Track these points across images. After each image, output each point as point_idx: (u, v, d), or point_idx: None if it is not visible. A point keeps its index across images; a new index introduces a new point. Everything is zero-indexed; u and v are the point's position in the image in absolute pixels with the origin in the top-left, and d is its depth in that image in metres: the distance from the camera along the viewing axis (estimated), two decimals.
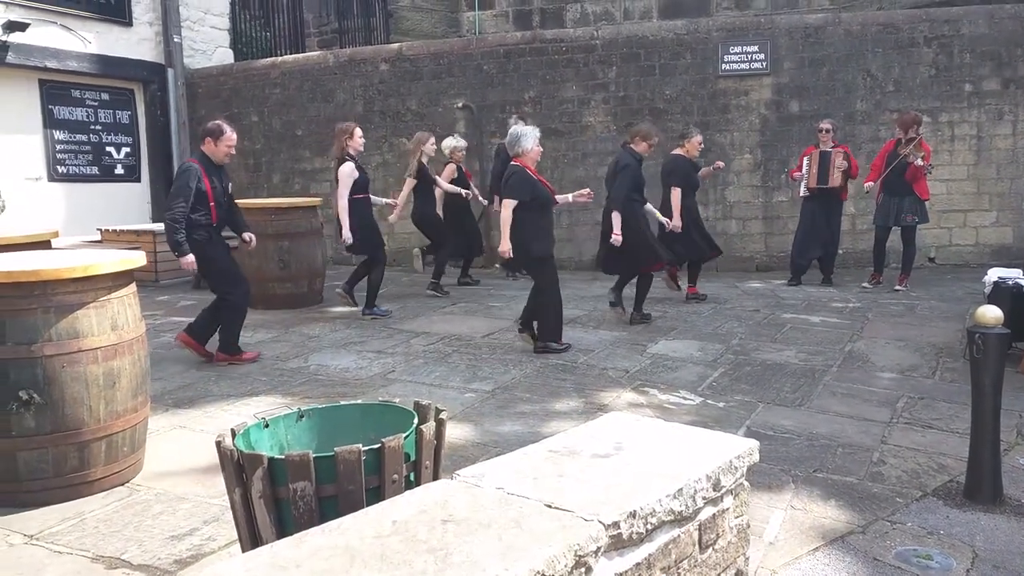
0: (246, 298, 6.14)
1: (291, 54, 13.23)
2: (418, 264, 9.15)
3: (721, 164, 8.77)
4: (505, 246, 5.95)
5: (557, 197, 6.38)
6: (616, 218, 6.74)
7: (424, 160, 8.34)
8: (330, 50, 12.79)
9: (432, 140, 8.46)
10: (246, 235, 6.33)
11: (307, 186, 11.58)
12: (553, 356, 6.10)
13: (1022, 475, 3.94)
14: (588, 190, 6.54)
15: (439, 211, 8.71)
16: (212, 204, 5.84)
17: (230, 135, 5.89)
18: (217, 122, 5.99)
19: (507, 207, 5.95)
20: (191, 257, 5.75)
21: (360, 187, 7.34)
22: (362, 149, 7.47)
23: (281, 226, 8.09)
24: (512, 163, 6.11)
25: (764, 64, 10.12)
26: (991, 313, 3.62)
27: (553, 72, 10.61)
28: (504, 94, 10.68)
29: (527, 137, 6.05)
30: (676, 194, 7.65)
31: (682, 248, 7.85)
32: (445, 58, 11.01)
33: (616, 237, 6.68)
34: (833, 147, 8.66)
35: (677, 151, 7.92)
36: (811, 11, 12.54)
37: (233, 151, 5.98)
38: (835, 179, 8.56)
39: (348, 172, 7.23)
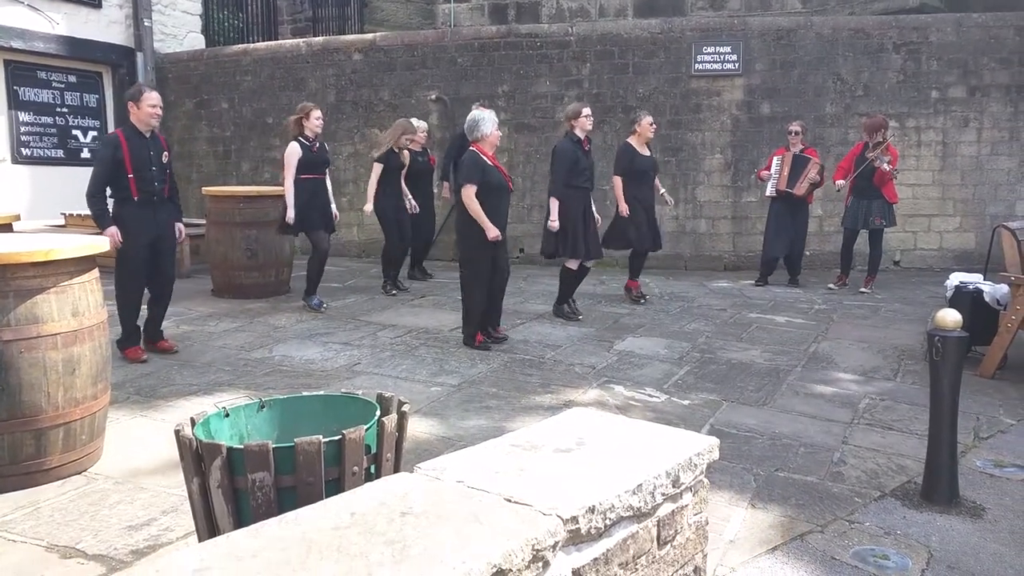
0: (127, 292, 5.68)
1: (263, 41, 13.08)
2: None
3: (670, 201, 8.48)
4: (492, 232, 5.92)
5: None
6: (553, 204, 6.85)
7: (396, 150, 8.20)
8: (303, 38, 12.65)
9: (410, 134, 8.27)
10: (178, 226, 6.01)
11: (277, 175, 11.37)
12: (520, 351, 6.10)
13: (978, 477, 4.01)
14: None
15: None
16: (131, 177, 5.53)
17: (149, 95, 5.59)
18: (136, 84, 5.77)
19: (468, 195, 5.92)
20: (112, 229, 5.48)
21: (310, 167, 7.23)
22: (319, 131, 7.34)
23: (249, 215, 7.98)
24: (469, 148, 6.10)
25: (736, 65, 10.18)
26: (950, 317, 3.68)
27: (527, 67, 10.61)
28: (478, 87, 10.64)
29: (485, 122, 6.06)
30: (616, 182, 7.66)
31: (631, 236, 7.74)
32: (419, 50, 10.95)
33: (552, 223, 6.80)
34: (803, 150, 8.74)
35: (629, 138, 7.86)
36: (783, 14, 12.64)
37: (159, 111, 5.64)
38: (801, 188, 8.61)
39: (292, 152, 7.17)
